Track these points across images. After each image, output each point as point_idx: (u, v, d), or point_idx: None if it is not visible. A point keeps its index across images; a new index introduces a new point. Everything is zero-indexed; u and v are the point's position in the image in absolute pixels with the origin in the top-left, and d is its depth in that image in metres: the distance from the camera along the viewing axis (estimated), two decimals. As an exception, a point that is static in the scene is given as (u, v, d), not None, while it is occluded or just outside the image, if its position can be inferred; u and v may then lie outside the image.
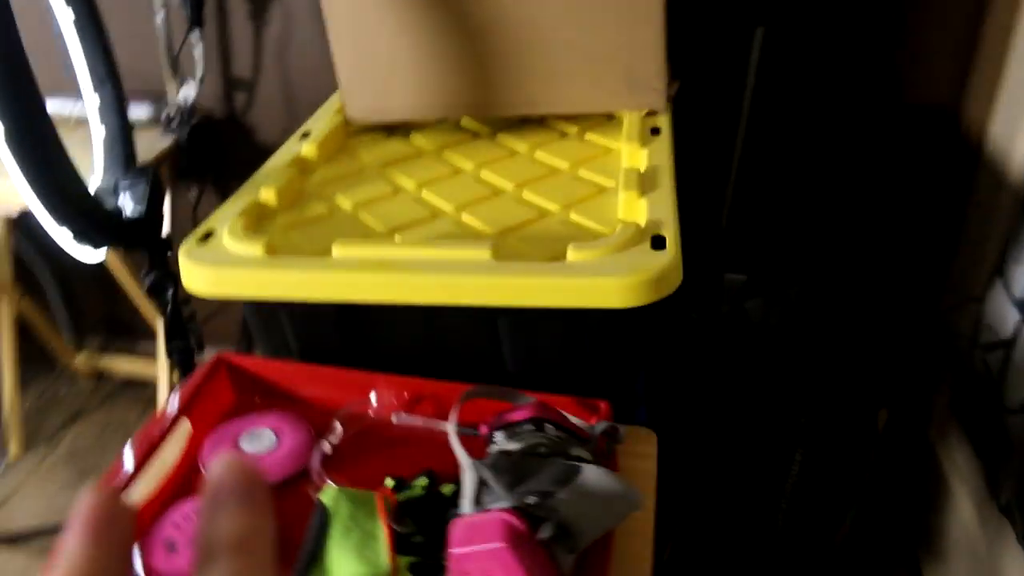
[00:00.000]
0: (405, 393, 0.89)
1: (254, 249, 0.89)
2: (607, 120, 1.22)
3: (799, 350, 1.53)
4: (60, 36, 1.14)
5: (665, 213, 0.89)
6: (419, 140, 1.22)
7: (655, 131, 1.10)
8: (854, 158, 1.49)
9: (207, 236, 0.94)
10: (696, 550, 1.56)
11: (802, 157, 1.50)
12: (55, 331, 1.96)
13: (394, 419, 0.88)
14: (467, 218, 0.99)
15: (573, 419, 0.79)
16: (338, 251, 0.88)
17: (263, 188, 1.03)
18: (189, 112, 1.61)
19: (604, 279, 0.79)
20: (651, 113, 1.16)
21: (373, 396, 0.91)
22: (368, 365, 0.93)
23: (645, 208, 0.91)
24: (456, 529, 0.63)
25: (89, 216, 0.98)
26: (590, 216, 0.96)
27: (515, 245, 0.92)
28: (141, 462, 0.80)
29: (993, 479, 1.24)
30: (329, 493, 0.72)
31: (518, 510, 0.63)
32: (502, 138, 1.20)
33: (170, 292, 1.21)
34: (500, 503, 0.65)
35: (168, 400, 0.87)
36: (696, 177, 1.54)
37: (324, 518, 0.71)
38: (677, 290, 0.82)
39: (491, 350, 0.91)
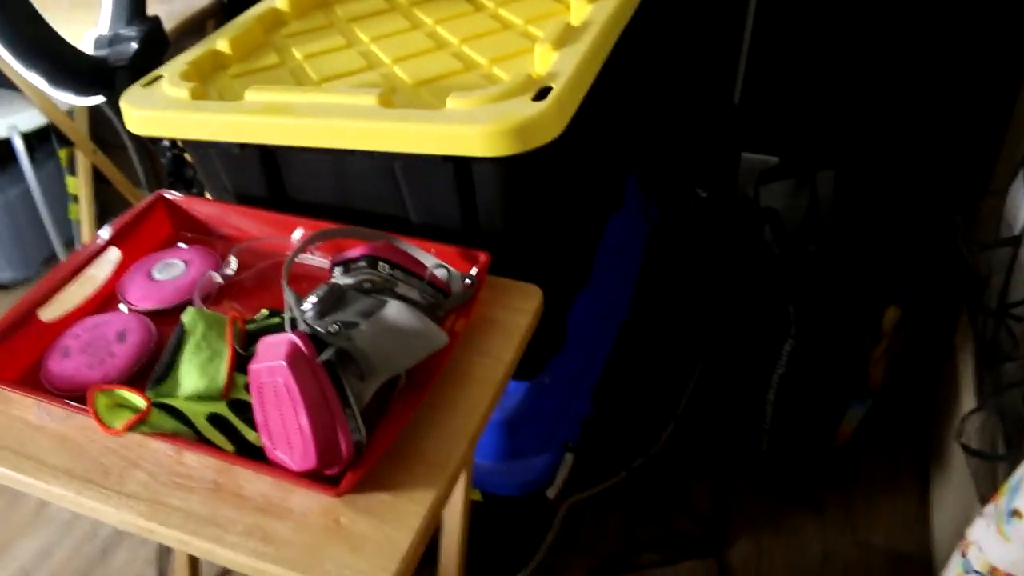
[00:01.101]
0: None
1: (182, 94, 0.95)
2: (590, -22, 1.19)
3: (805, 237, 1.47)
4: None
5: (568, 67, 0.87)
6: (399, -3, 1.23)
7: (617, -13, 1.06)
8: (897, 25, 1.36)
9: (154, 80, 1.01)
10: (695, 434, 1.57)
11: (831, 24, 1.39)
12: (133, 184, 2.14)
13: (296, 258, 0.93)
14: (398, 70, 1.01)
15: (435, 263, 0.81)
16: (249, 96, 0.92)
17: (220, 38, 1.08)
18: (230, -27, 1.68)
19: (468, 126, 0.79)
20: (628, -30, 1.11)
21: (296, 235, 0.96)
22: (292, 211, 0.99)
23: (553, 61, 0.89)
24: (259, 346, 0.68)
25: (58, 61, 1.06)
26: (510, 70, 0.96)
27: (421, 96, 0.94)
28: (63, 281, 0.90)
29: (980, 382, 1.17)
30: (188, 313, 0.79)
31: (312, 335, 0.68)
32: (479, -5, 1.20)
33: (166, 141, 1.30)
34: (303, 328, 0.70)
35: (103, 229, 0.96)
36: (702, 46, 1.47)
37: (181, 335, 0.78)
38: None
39: (396, 201, 0.94)
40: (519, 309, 0.86)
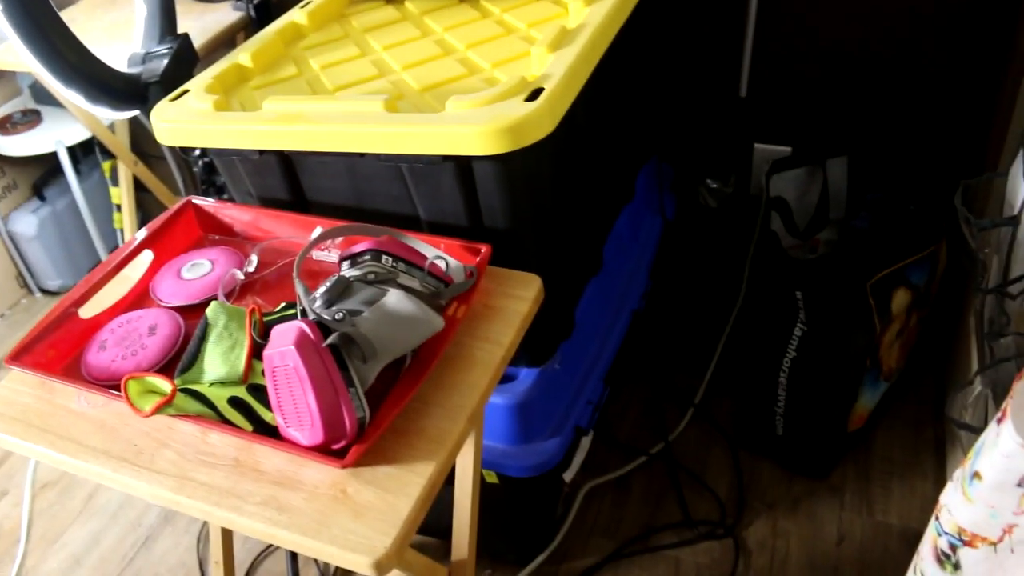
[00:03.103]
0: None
1: (206, 106, 1.03)
2: (591, -19, 1.24)
3: (817, 224, 1.50)
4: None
5: (560, 68, 0.93)
6: (411, 6, 1.29)
7: (614, -10, 1.11)
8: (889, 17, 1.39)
9: (182, 95, 1.09)
10: (712, 418, 1.61)
11: (831, 16, 1.42)
12: (172, 192, 2.24)
13: (313, 255, 1.00)
14: (406, 77, 1.07)
15: (435, 254, 0.87)
16: (266, 106, 1.00)
17: (243, 52, 1.15)
18: (256, -12, 1.76)
19: (465, 127, 0.85)
20: (626, -28, 1.16)
21: (313, 234, 1.03)
22: (310, 212, 1.06)
23: (548, 63, 0.95)
24: (272, 334, 0.75)
25: (94, 80, 1.14)
26: (510, 73, 1.02)
27: (426, 100, 1.00)
28: (101, 282, 0.98)
29: (982, 359, 1.19)
30: (212, 307, 0.86)
31: (319, 323, 0.74)
32: (484, 2, 1.25)
33: (198, 150, 1.39)
34: (311, 316, 0.76)
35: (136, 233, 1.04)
36: (703, 42, 1.51)
37: (205, 327, 0.85)
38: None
39: (406, 201, 1.00)
40: (518, 297, 0.92)
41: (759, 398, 1.47)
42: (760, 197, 1.55)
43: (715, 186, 1.58)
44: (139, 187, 2.15)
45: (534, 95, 0.88)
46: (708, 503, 1.47)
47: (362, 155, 0.95)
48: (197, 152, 1.47)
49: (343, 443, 0.74)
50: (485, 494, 1.09)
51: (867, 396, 1.46)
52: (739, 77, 1.44)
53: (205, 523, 1.50)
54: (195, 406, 0.79)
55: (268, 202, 1.10)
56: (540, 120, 0.86)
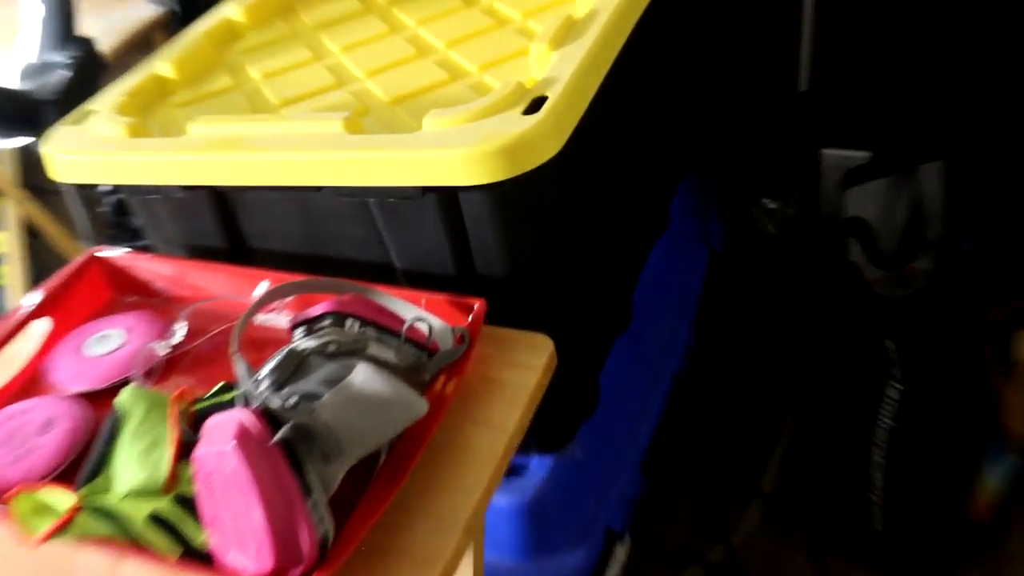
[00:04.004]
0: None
1: (117, 131, 1.04)
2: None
3: (907, 251, 1.50)
4: None
5: (567, 70, 0.93)
6: (376, -6, 1.32)
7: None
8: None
9: (85, 116, 1.10)
10: (788, 512, 1.60)
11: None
12: (69, 234, 2.25)
13: (257, 321, 1.00)
14: (371, 85, 1.08)
15: (415, 316, 0.87)
16: (192, 129, 1.00)
17: (161, 60, 1.17)
18: (179, -24, 1.79)
19: (446, 150, 0.86)
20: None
21: (258, 291, 1.03)
22: (253, 263, 1.06)
23: (551, 64, 0.96)
24: (205, 428, 0.75)
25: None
26: (503, 77, 1.02)
27: (397, 115, 1.01)
28: (-18, 362, 0.98)
29: None
30: (127, 393, 0.86)
31: (266, 412, 0.74)
32: (470, -14, 1.27)
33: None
34: (256, 403, 0.76)
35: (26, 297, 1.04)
36: (747, 25, 1.52)
37: (116, 420, 0.85)
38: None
39: (375, 245, 1.00)
40: (525, 365, 0.92)
41: (848, 483, 1.47)
42: (833, 218, 1.56)
43: (773, 206, 1.58)
44: (31, 231, 2.16)
45: (535, 106, 0.89)
46: (785, 623, 1.46)
47: (318, 189, 0.95)
48: (105, 187, 1.48)
49: (300, 570, 0.73)
50: (490, 624, 1.08)
51: (992, 475, 1.44)
52: (797, 66, 1.45)
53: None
54: (104, 527, 0.78)
55: (198, 251, 1.11)
56: (544, 138, 0.87)
